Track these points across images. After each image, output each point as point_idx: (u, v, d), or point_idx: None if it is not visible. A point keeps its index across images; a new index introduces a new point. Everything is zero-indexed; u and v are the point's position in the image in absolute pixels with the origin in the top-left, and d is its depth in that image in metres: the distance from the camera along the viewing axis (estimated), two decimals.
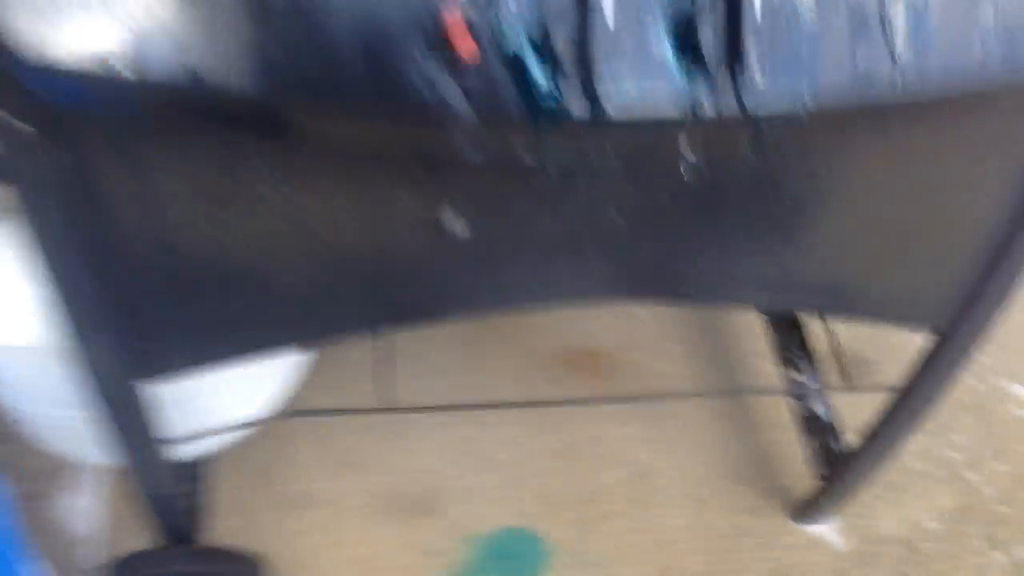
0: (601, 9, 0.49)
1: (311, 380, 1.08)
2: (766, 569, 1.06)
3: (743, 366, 1.24)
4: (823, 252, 0.74)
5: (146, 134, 0.56)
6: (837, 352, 1.04)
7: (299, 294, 0.69)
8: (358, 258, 0.68)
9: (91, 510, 1.03)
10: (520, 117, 0.51)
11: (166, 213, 0.61)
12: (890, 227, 0.73)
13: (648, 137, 0.56)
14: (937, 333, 0.82)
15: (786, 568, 1.07)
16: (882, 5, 0.53)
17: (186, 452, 0.92)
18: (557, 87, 0.51)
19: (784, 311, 1.15)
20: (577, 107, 0.51)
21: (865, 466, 0.99)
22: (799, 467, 1.10)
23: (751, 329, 1.24)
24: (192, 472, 1.00)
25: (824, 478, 1.05)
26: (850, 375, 1.03)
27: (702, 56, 0.51)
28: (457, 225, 0.65)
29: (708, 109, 0.52)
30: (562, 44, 0.50)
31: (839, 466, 1.02)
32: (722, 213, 0.68)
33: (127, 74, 0.48)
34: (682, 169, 0.61)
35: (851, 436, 1.00)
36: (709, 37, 0.51)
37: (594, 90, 0.51)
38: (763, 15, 0.51)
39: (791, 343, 1.16)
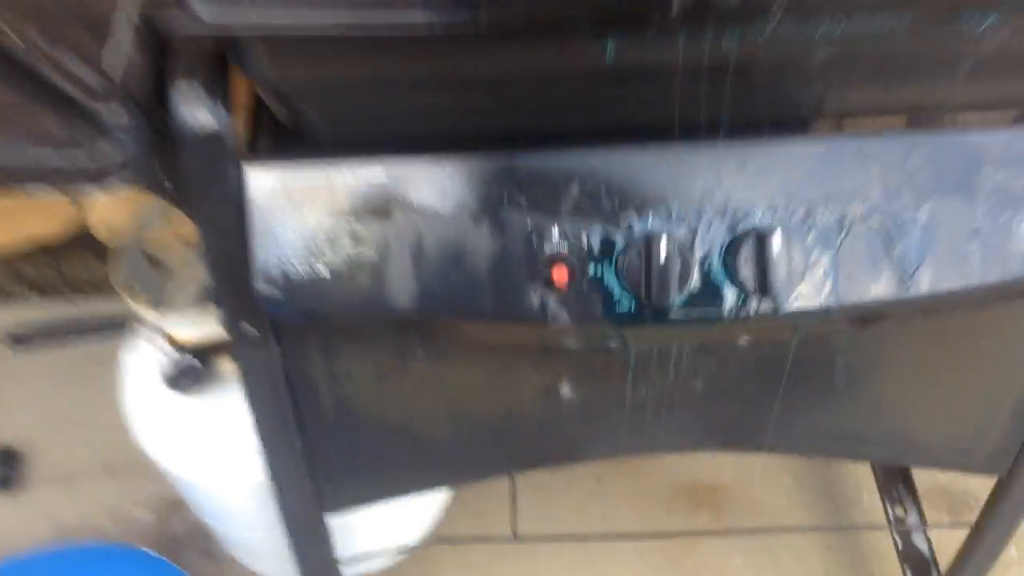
0: (660, 251, 0.67)
1: (455, 509, 1.26)
2: None
3: (853, 500, 1.34)
4: (875, 410, 0.87)
5: (338, 334, 0.76)
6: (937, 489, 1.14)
7: (447, 446, 0.88)
8: (491, 418, 0.87)
9: None
10: (605, 322, 0.69)
11: (347, 386, 0.81)
12: (935, 387, 0.86)
13: (704, 331, 0.73)
14: (1000, 475, 0.93)
15: None
16: (888, 233, 0.69)
17: (351, 572, 1.11)
18: (630, 301, 0.68)
19: None
20: (646, 314, 0.68)
21: None
22: None
23: (861, 464, 1.35)
24: None
25: None
26: (954, 511, 1.12)
27: (741, 277, 0.68)
28: (567, 393, 0.83)
29: (748, 312, 0.69)
30: (630, 273, 0.67)
31: None
32: (780, 382, 0.83)
33: (330, 302, 0.69)
34: (740, 351, 0.76)
35: None
36: (745, 263, 0.68)
37: (657, 302, 0.68)
38: (781, 249, 0.67)
39: (895, 479, 1.25)
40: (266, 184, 0.68)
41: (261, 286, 0.69)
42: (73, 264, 1.57)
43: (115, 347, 1.16)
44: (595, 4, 0.54)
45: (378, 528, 1.09)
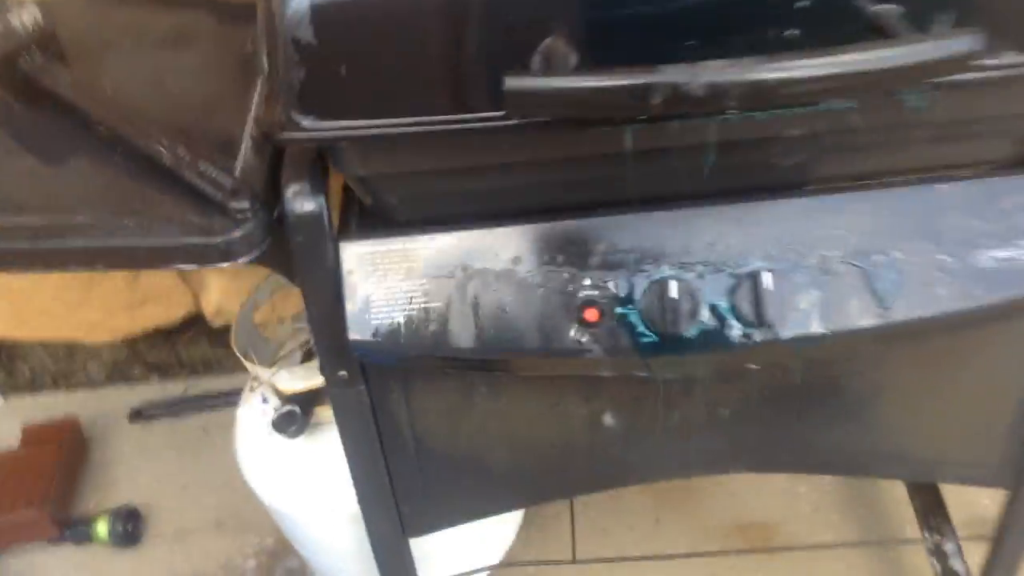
0: (672, 295, 0.82)
1: (527, 535, 1.40)
2: None
3: (897, 530, 1.43)
4: (884, 428, 0.99)
5: (414, 375, 0.93)
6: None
7: (508, 473, 1.03)
8: (545, 447, 1.02)
9: None
10: (630, 352, 0.84)
11: (423, 421, 0.97)
12: (937, 404, 0.98)
13: (715, 359, 0.87)
14: (1008, 489, 1.03)
15: None
16: (865, 272, 0.83)
17: None
18: (650, 335, 0.83)
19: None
20: (664, 345, 0.83)
21: None
22: None
23: (901, 496, 1.44)
24: None
25: None
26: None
27: (742, 312, 0.82)
28: (609, 422, 0.98)
29: (749, 341, 0.83)
30: (649, 312, 0.83)
31: None
32: (792, 406, 0.96)
33: (407, 346, 0.86)
34: (755, 379, 0.90)
35: None
36: (744, 301, 0.82)
37: (674, 335, 0.83)
38: (773, 288, 0.81)
39: (931, 506, 1.34)
40: (355, 255, 0.86)
41: (352, 335, 0.86)
42: (188, 347, 1.78)
43: (224, 419, 1.34)
44: (610, 105, 0.70)
45: (454, 554, 1.24)
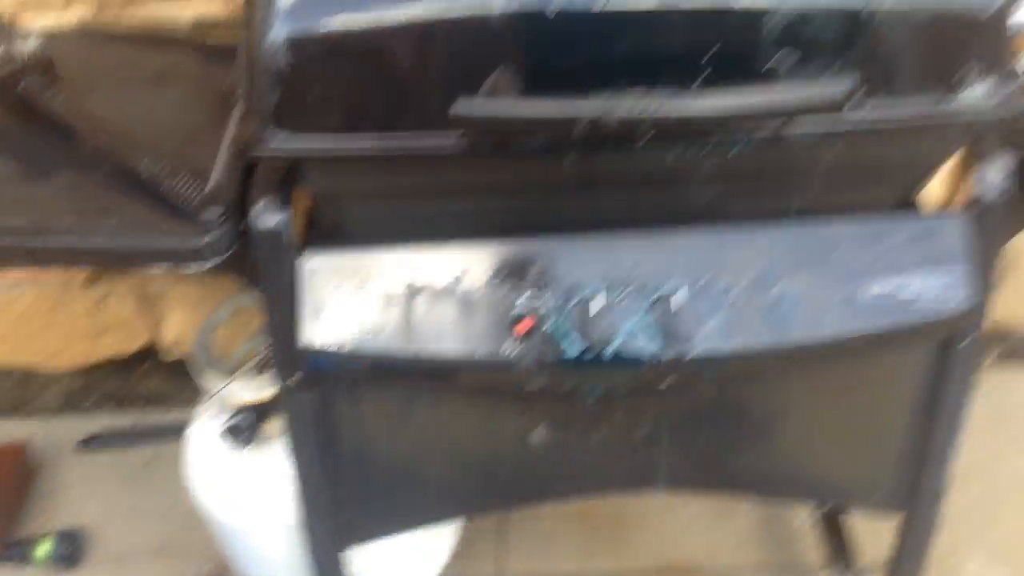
0: (595, 312, 0.92)
1: (455, 565, 1.46)
2: None
3: (810, 566, 1.52)
4: (786, 452, 1.09)
5: (361, 385, 1.01)
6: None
7: (445, 485, 1.11)
8: (480, 460, 1.10)
9: None
10: (557, 364, 0.94)
11: (366, 429, 1.05)
12: (832, 431, 1.08)
13: (634, 373, 0.97)
14: (901, 512, 1.13)
15: None
16: (765, 297, 0.94)
17: None
18: (576, 348, 0.93)
19: (830, 512, 1.46)
20: (588, 358, 0.93)
21: None
22: None
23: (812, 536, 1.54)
24: None
25: None
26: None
27: (656, 330, 0.93)
28: (540, 437, 1.07)
29: (662, 355, 0.93)
30: (574, 327, 0.92)
31: None
32: (706, 425, 1.06)
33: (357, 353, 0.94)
34: (671, 399, 1.00)
35: None
36: (659, 320, 0.93)
37: (597, 351, 0.93)
38: (684, 310, 0.92)
39: (837, 539, 1.44)
40: (312, 267, 0.95)
41: (305, 340, 0.95)
42: (143, 380, 1.83)
43: (172, 451, 1.39)
44: (541, 127, 0.81)
45: (389, 570, 1.29)
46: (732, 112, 0.77)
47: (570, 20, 0.79)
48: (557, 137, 0.82)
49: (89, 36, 1.20)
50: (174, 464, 1.33)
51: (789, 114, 0.81)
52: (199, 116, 1.07)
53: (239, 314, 1.28)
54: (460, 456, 1.10)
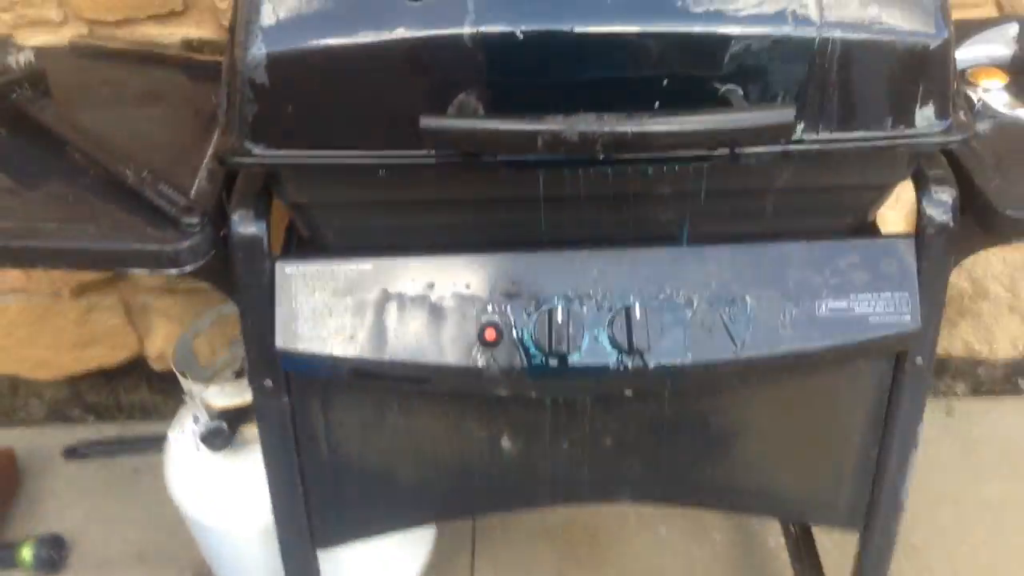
0: (557, 320, 0.96)
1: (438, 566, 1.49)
2: None
3: None
4: (746, 466, 1.13)
5: (334, 389, 1.05)
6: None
7: (417, 487, 1.14)
8: (449, 466, 1.13)
9: None
10: (522, 371, 0.97)
11: (339, 433, 1.09)
12: (791, 446, 1.12)
13: (596, 382, 1.01)
14: (857, 530, 1.16)
15: None
16: (723, 313, 0.98)
17: None
18: (540, 357, 0.97)
19: (802, 530, 1.49)
20: (551, 366, 0.97)
21: None
22: None
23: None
24: None
25: None
26: None
27: (618, 341, 0.96)
28: (507, 444, 1.10)
29: (623, 365, 0.97)
30: (539, 336, 0.96)
31: None
32: (668, 436, 1.09)
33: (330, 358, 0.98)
34: (634, 409, 1.04)
35: None
36: (620, 331, 0.97)
37: (561, 359, 0.96)
38: (643, 322, 0.96)
39: (811, 558, 1.47)
40: (288, 274, 0.99)
41: (279, 344, 0.98)
42: (128, 391, 1.87)
43: (156, 461, 1.42)
44: (502, 143, 0.85)
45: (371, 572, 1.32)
46: (679, 135, 0.81)
47: (534, 43, 0.84)
48: (515, 153, 0.86)
49: (81, 53, 1.25)
50: (159, 474, 1.37)
51: (734, 141, 0.85)
52: (185, 130, 1.12)
53: (220, 323, 1.31)
54: (432, 461, 1.13)
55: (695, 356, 0.98)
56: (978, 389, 1.87)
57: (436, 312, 0.98)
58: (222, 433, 1.19)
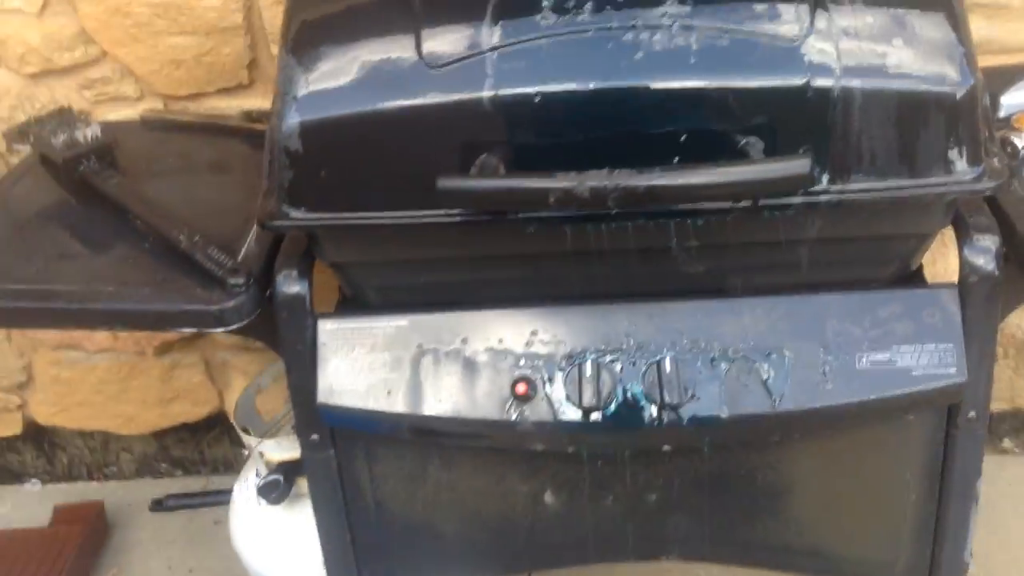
0: (588, 374, 0.96)
1: None
2: None
3: None
4: (797, 525, 1.09)
5: (377, 444, 1.08)
6: None
7: (459, 544, 1.15)
8: (492, 521, 1.14)
9: None
10: (555, 425, 0.98)
11: (384, 487, 1.11)
12: (844, 504, 1.08)
13: (631, 436, 1.00)
14: None
15: None
16: (759, 366, 0.96)
17: None
18: (573, 411, 0.97)
19: None
20: (584, 421, 0.97)
21: None
22: None
23: None
24: None
25: None
26: None
27: (652, 395, 0.96)
28: (550, 499, 1.10)
29: (658, 419, 0.96)
30: (571, 390, 0.97)
31: None
32: (712, 494, 1.08)
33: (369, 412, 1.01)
34: (675, 465, 1.04)
35: None
36: (653, 386, 0.96)
37: (591, 412, 0.97)
38: (677, 376, 0.95)
39: None
40: (329, 331, 1.03)
41: (321, 399, 1.02)
42: (211, 445, 1.94)
43: None
44: (516, 200, 0.88)
45: None
46: (690, 188, 0.82)
47: (550, 103, 0.87)
48: (529, 209, 0.88)
49: (152, 127, 1.34)
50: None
51: (749, 193, 0.85)
52: (242, 197, 1.18)
53: (282, 379, 1.36)
54: (476, 515, 1.14)
55: (731, 410, 0.97)
56: None
57: (470, 367, 1.00)
58: (278, 486, 1.23)
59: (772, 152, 0.87)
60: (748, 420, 0.97)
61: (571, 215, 0.90)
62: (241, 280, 0.99)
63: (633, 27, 0.88)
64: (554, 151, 0.89)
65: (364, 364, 1.02)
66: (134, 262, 1.06)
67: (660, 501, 1.10)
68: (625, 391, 0.98)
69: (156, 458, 1.96)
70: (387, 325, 1.02)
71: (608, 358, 0.99)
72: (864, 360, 0.97)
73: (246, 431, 1.29)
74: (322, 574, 1.19)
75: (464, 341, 1.01)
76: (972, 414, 1.01)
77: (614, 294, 1.00)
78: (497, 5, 0.90)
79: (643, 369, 0.98)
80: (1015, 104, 1.07)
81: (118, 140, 1.20)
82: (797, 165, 0.81)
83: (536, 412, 0.99)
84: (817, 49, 0.87)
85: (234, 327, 1.00)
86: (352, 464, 1.10)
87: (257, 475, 1.30)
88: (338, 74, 0.91)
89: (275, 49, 1.29)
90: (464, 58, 0.89)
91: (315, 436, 1.07)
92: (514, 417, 0.99)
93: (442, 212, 0.91)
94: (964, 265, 0.96)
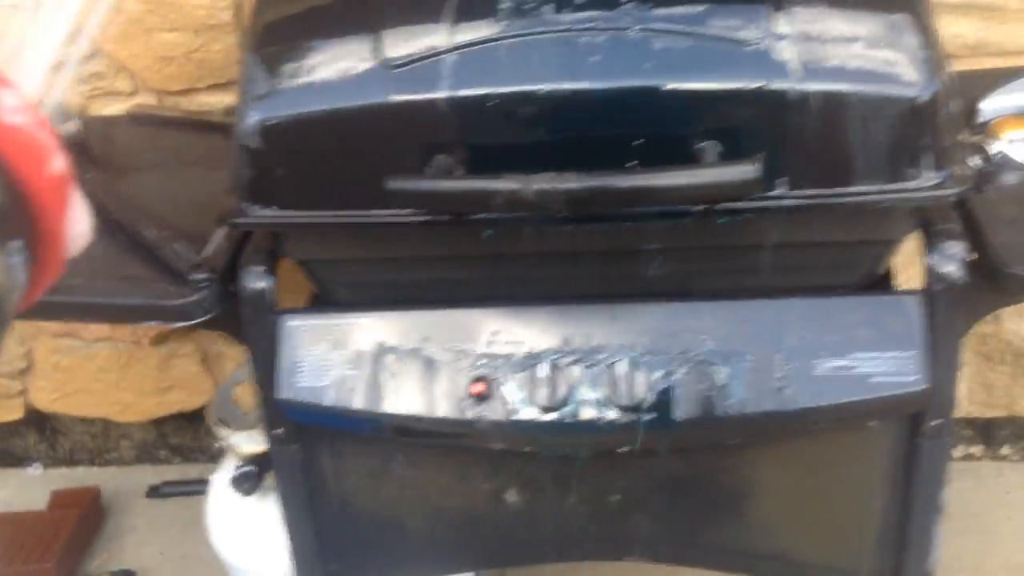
0: (546, 374, 0.96)
1: None
2: None
3: None
4: (761, 530, 1.08)
5: (342, 439, 1.08)
6: None
7: (422, 540, 1.15)
8: (455, 519, 1.14)
9: None
10: (511, 425, 0.98)
11: (348, 482, 1.12)
12: (806, 510, 1.07)
13: (586, 438, 1.00)
14: None
15: None
16: (715, 370, 0.96)
17: None
18: (527, 410, 0.97)
19: None
20: (537, 420, 0.97)
21: None
22: None
23: None
24: None
25: None
26: None
27: (603, 397, 0.96)
28: (510, 497, 1.10)
29: (614, 423, 0.96)
30: (528, 390, 0.97)
31: None
32: (673, 496, 1.07)
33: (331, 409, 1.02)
34: (632, 464, 1.03)
35: None
36: (609, 387, 0.96)
37: (548, 412, 0.97)
38: (639, 377, 0.95)
39: None
40: (291, 327, 1.03)
41: (281, 394, 1.03)
42: (209, 433, 1.96)
43: None
44: (464, 202, 0.88)
45: None
46: (637, 191, 0.81)
47: (505, 104, 0.87)
48: (476, 211, 0.88)
49: (139, 122, 1.35)
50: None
51: (697, 197, 0.84)
52: (220, 193, 1.19)
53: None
54: (439, 513, 1.15)
55: (686, 414, 0.96)
56: None
57: (430, 365, 1.01)
58: (250, 477, 1.25)
59: (732, 156, 0.86)
60: (703, 423, 0.97)
61: (526, 217, 0.90)
62: (204, 275, 1.01)
63: (591, 29, 0.88)
64: (511, 153, 0.89)
65: (326, 361, 1.02)
66: (104, 256, 1.07)
67: (622, 502, 1.09)
68: (580, 392, 0.98)
69: (155, 445, 1.99)
70: (349, 322, 1.03)
71: (566, 359, 0.99)
72: (823, 366, 0.96)
73: (223, 423, 1.30)
74: (286, 563, 1.20)
75: (425, 340, 1.01)
76: (936, 423, 0.99)
77: (576, 296, 1.00)
78: (457, 7, 0.91)
79: (600, 371, 0.98)
80: (994, 110, 1.06)
81: (103, 135, 1.22)
82: (746, 170, 0.80)
83: (493, 411, 0.99)
84: (776, 51, 0.86)
85: (198, 321, 1.01)
86: (317, 459, 1.11)
87: (232, 467, 1.31)
88: (298, 73, 0.92)
89: None
90: (422, 59, 0.89)
91: (279, 431, 1.08)
92: (471, 416, 0.99)
93: (399, 212, 0.91)
94: (929, 272, 0.94)
